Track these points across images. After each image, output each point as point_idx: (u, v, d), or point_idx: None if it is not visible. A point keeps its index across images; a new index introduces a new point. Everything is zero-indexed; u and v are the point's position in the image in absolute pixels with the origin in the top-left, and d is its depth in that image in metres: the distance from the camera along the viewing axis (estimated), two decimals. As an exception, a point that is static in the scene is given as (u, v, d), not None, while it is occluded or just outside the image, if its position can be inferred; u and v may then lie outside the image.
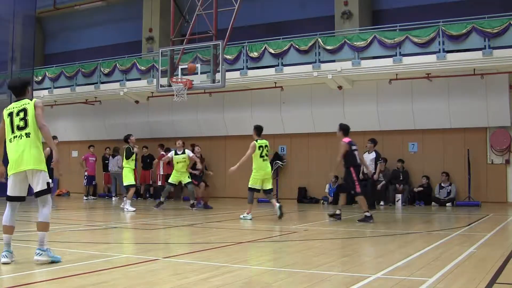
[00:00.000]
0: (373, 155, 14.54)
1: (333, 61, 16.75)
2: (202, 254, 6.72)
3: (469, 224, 10.42)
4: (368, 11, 19.10)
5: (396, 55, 15.70)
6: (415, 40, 15.47)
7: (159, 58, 16.98)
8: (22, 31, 21.39)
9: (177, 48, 16.80)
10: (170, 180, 14.51)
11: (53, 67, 22.49)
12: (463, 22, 15.13)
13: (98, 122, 21.82)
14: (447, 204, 15.61)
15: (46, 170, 5.68)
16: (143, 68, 19.78)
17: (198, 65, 15.76)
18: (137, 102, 20.88)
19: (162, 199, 14.48)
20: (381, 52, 16.10)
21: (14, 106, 5.75)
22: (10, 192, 5.67)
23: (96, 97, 21.39)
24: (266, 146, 11.56)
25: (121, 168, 19.62)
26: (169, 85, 16.19)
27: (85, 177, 20.08)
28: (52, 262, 5.46)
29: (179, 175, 14.31)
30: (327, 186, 17.42)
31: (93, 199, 19.91)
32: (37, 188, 5.58)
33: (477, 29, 14.75)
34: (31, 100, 5.78)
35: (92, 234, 8.99)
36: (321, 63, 16.67)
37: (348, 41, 16.29)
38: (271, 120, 18.54)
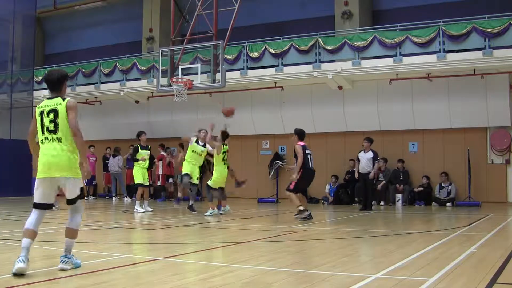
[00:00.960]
0: (370, 154, 14.21)
1: (333, 61, 16.75)
2: (202, 254, 6.72)
3: (469, 224, 10.42)
4: (368, 11, 19.10)
5: (396, 55, 15.70)
6: (415, 40, 15.47)
7: (159, 58, 16.99)
8: (22, 31, 21.40)
9: (177, 48, 16.80)
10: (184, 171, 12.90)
11: (53, 67, 22.47)
12: (463, 22, 15.13)
13: (98, 122, 21.82)
14: (447, 204, 15.60)
15: (80, 175, 5.29)
16: (143, 68, 19.77)
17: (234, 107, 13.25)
18: (137, 102, 20.88)
19: (191, 202, 13.02)
20: (381, 52, 16.10)
21: (46, 105, 5.28)
22: (37, 198, 5.22)
23: (96, 97, 21.40)
24: (227, 151, 12.43)
25: (121, 168, 19.77)
26: (169, 85, 16.20)
27: (85, 177, 20.05)
28: (75, 267, 5.19)
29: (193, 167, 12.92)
30: (327, 186, 17.43)
31: (93, 199, 19.92)
32: (70, 195, 5.28)
33: (477, 29, 14.75)
34: (63, 99, 5.29)
35: (92, 234, 8.99)
36: (321, 63, 16.67)
37: (348, 41, 16.29)
38: (271, 120, 18.55)
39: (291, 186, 11.02)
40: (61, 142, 5.19)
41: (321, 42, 16.69)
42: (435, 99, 16.25)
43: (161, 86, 16.65)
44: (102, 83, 20.86)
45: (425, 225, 10.90)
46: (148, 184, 13.84)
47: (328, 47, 16.63)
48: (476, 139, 16.31)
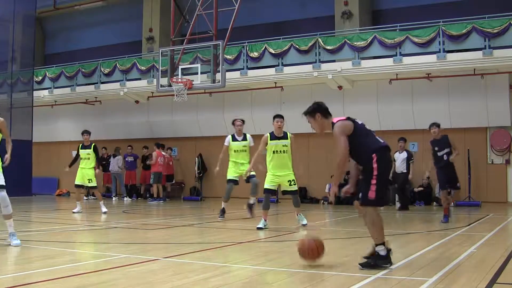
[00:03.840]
0: (404, 154, 14.37)
1: (333, 61, 16.76)
2: (202, 254, 6.72)
3: (469, 224, 10.42)
4: (368, 11, 19.10)
5: (396, 55, 15.71)
6: (415, 40, 15.47)
7: (159, 58, 16.99)
8: (22, 31, 21.37)
9: (177, 48, 16.81)
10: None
11: (53, 67, 22.49)
12: (463, 22, 15.14)
13: (98, 122, 21.81)
14: (447, 204, 15.60)
15: None
16: (143, 68, 19.78)
17: None
18: (137, 102, 20.87)
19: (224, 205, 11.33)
20: (381, 52, 16.11)
21: None
22: None
23: (96, 97, 21.40)
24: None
25: (121, 168, 19.78)
26: (169, 85, 16.20)
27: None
28: None
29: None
30: (327, 186, 17.41)
31: (93, 199, 19.90)
32: None
33: (477, 29, 14.75)
34: None
35: (92, 234, 8.99)
36: (321, 63, 16.67)
37: (348, 41, 16.29)
38: (271, 120, 18.48)
39: (372, 195, 5.33)
40: None
41: (321, 42, 16.69)
42: (435, 99, 16.25)
43: (161, 86, 16.65)
44: (102, 83, 20.86)
45: (425, 225, 10.90)
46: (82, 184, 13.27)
47: (328, 47, 16.63)
48: (476, 139, 16.31)
